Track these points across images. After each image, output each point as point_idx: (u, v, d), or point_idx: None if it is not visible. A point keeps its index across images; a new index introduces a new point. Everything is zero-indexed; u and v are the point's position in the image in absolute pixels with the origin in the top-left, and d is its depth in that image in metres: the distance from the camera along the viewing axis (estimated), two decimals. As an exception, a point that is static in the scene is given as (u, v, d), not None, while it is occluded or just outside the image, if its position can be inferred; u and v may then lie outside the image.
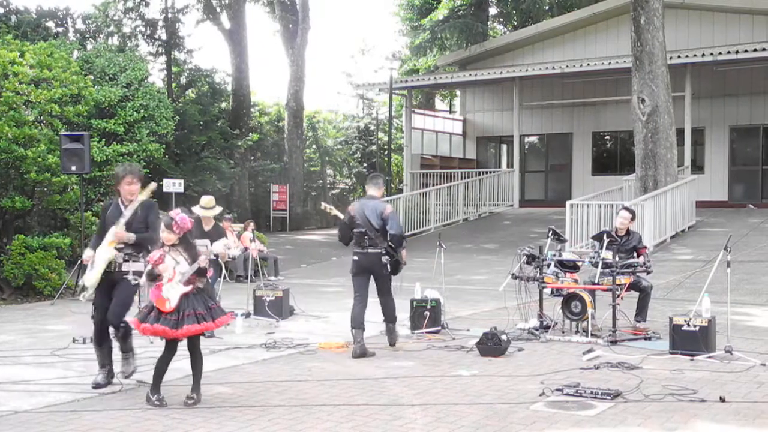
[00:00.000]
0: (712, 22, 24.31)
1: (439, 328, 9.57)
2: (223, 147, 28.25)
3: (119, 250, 6.81)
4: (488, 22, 33.72)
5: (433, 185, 25.04)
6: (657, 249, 16.89)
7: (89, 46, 23.45)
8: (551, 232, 10.15)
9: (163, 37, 29.83)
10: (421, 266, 16.41)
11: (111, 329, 6.94)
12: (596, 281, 9.38)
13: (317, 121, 38.78)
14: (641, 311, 9.68)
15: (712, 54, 21.27)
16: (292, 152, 31.95)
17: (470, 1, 31.44)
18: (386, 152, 31.71)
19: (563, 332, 9.28)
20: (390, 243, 8.53)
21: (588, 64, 23.47)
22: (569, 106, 26.60)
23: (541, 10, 30.92)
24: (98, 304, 7.03)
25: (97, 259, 6.81)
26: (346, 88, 55.98)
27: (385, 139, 32.87)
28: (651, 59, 18.01)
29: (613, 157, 26.76)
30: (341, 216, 8.65)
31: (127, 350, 6.99)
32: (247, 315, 10.66)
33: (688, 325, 8.01)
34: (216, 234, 9.99)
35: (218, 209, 10.27)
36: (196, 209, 9.92)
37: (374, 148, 37.75)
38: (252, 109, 33.00)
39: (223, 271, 10.76)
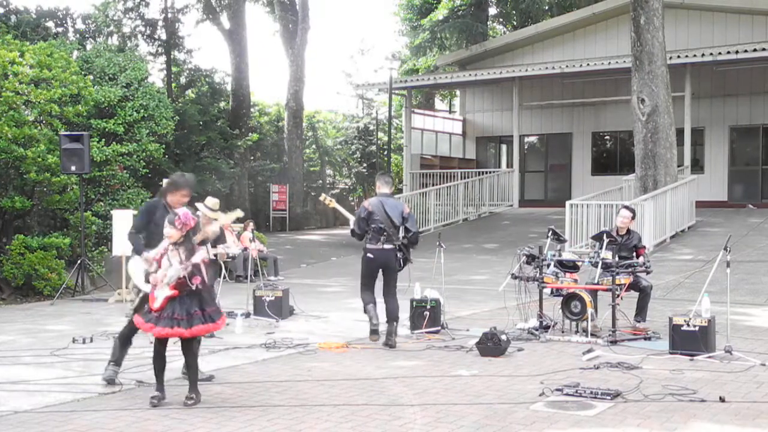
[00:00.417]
0: (712, 22, 24.31)
1: (439, 328, 9.57)
2: (222, 147, 28.23)
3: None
4: (488, 22, 33.73)
5: (433, 185, 25.04)
6: (657, 249, 16.89)
7: (89, 46, 23.42)
8: (551, 232, 10.16)
9: (163, 37, 29.82)
10: (421, 266, 16.39)
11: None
12: (596, 281, 9.38)
13: (317, 121, 38.77)
14: (641, 311, 9.68)
15: (711, 54, 21.28)
16: (291, 152, 31.94)
17: (470, 1, 31.44)
18: (386, 152, 31.70)
19: (563, 332, 9.29)
20: (405, 240, 8.89)
21: (588, 64, 23.47)
22: (569, 106, 26.60)
23: (541, 10, 30.93)
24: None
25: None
26: (345, 88, 55.98)
27: (385, 139, 32.87)
28: (651, 59, 18.01)
29: (613, 157, 26.76)
30: (341, 209, 8.64)
31: None
32: (247, 315, 10.65)
33: (688, 325, 8.01)
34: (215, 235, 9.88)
35: (220, 215, 10.06)
36: (200, 206, 9.78)
37: (374, 148, 37.75)
38: (252, 109, 32.98)
39: (223, 271, 10.74)
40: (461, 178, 25.56)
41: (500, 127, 28.35)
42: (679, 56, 21.19)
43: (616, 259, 9.28)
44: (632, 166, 19.62)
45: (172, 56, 29.53)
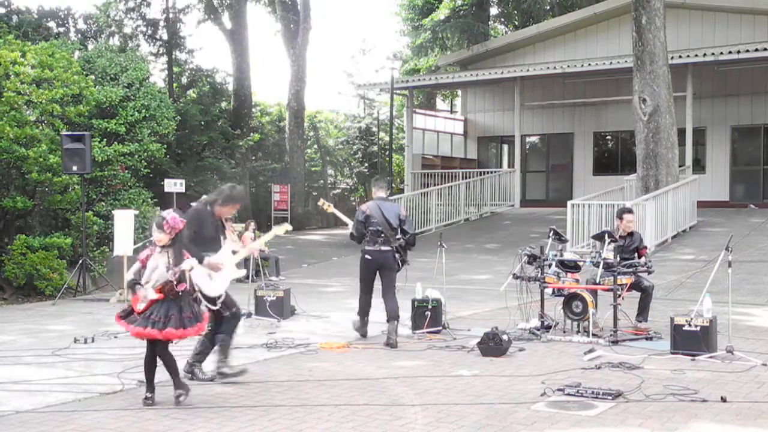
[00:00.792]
0: (714, 22, 24.30)
1: (440, 328, 9.57)
2: (224, 147, 28.25)
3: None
4: (489, 22, 33.72)
5: (435, 185, 25.03)
6: (658, 249, 16.88)
7: (90, 46, 23.44)
8: (552, 232, 10.15)
9: (165, 37, 29.85)
10: (422, 266, 16.41)
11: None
12: (597, 281, 9.37)
13: (318, 121, 38.77)
14: (642, 311, 9.67)
15: (713, 54, 21.26)
16: (293, 152, 31.95)
17: (471, 1, 31.44)
18: (387, 152, 31.70)
19: (564, 332, 9.28)
20: (403, 242, 9.14)
21: (589, 64, 23.46)
22: (570, 106, 26.59)
23: (542, 10, 30.92)
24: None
25: (228, 274, 7.05)
26: (347, 88, 55.99)
27: (387, 139, 32.86)
28: (652, 59, 18.00)
29: (614, 157, 26.75)
30: (339, 214, 8.71)
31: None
32: (249, 315, 10.65)
33: (690, 325, 8.01)
34: None
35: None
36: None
37: (375, 148, 37.75)
38: (253, 109, 33.00)
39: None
40: (463, 178, 25.56)
41: (502, 127, 28.34)
42: (680, 56, 21.18)
43: (618, 258, 9.27)
44: (634, 166, 19.60)
45: (173, 56, 29.55)
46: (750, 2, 23.68)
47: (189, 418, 5.78)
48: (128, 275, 6.28)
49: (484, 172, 26.32)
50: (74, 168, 13.84)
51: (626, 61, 21.01)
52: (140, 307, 6.07)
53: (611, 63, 22.73)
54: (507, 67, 25.96)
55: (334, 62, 75.61)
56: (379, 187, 9.46)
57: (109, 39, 28.12)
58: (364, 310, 9.26)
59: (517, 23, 34.04)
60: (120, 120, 16.35)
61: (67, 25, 25.93)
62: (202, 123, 27.10)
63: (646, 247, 10.34)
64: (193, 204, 9.73)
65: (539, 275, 9.49)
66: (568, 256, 10.13)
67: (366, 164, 37.85)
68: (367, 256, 9.05)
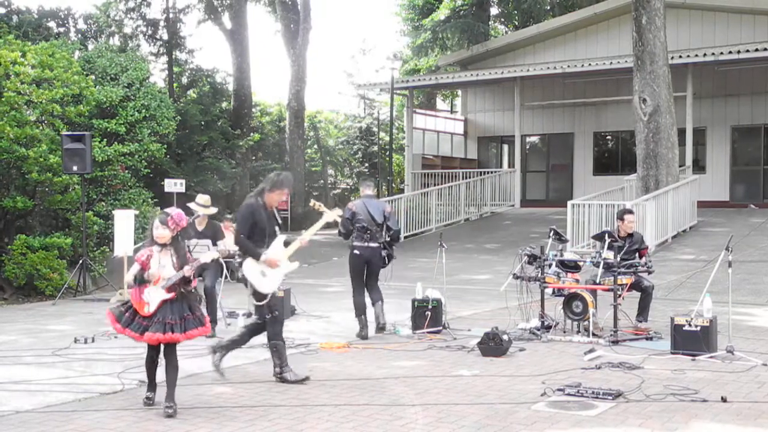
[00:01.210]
0: (714, 22, 24.29)
1: (441, 328, 9.57)
2: (224, 147, 28.25)
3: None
4: (489, 22, 33.72)
5: (435, 185, 25.02)
6: (658, 249, 16.87)
7: (90, 46, 23.44)
8: (552, 232, 10.15)
9: (165, 37, 29.85)
10: (423, 266, 16.42)
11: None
12: (598, 281, 9.37)
13: (318, 121, 38.79)
14: (643, 311, 9.67)
15: (713, 54, 21.26)
16: (293, 152, 31.96)
17: (471, 1, 31.44)
18: (387, 152, 31.70)
19: (564, 332, 9.28)
20: (388, 237, 9.49)
21: (589, 64, 23.45)
22: (570, 106, 26.58)
23: (543, 10, 30.91)
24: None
25: (282, 270, 7.04)
26: (347, 88, 55.96)
27: (387, 139, 32.87)
28: (652, 59, 18.00)
29: (615, 157, 26.74)
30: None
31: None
32: (249, 315, 10.63)
33: (690, 325, 8.00)
34: (212, 232, 9.76)
35: (213, 210, 9.94)
36: (192, 206, 9.74)
37: (375, 148, 37.76)
38: (253, 109, 33.01)
39: (225, 271, 10.72)
40: (463, 178, 25.55)
41: (502, 127, 28.34)
42: (680, 56, 21.17)
43: (618, 259, 9.27)
44: (634, 166, 19.60)
45: (173, 56, 29.55)
46: (750, 2, 23.67)
47: (189, 418, 5.78)
48: (129, 276, 6.04)
49: (484, 172, 26.31)
50: (74, 168, 13.84)
51: (626, 61, 20.99)
52: (149, 309, 5.82)
53: (611, 63, 22.72)
54: (507, 67, 25.95)
55: (334, 62, 75.67)
56: (366, 186, 9.91)
57: (109, 39, 28.12)
58: (360, 309, 9.47)
59: (517, 23, 34.03)
60: (120, 120, 16.36)
61: (67, 25, 25.93)
62: (203, 123, 27.10)
63: (647, 248, 10.33)
64: (193, 204, 9.77)
65: (539, 275, 9.49)
66: (568, 256, 10.13)
67: (366, 164, 37.86)
68: (355, 251, 9.44)
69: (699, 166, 23.77)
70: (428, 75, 32.21)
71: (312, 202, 9.73)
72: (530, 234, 20.14)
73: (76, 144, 13.81)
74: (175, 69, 29.66)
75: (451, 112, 36.54)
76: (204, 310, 6.79)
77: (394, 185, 28.75)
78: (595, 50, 25.71)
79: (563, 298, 9.35)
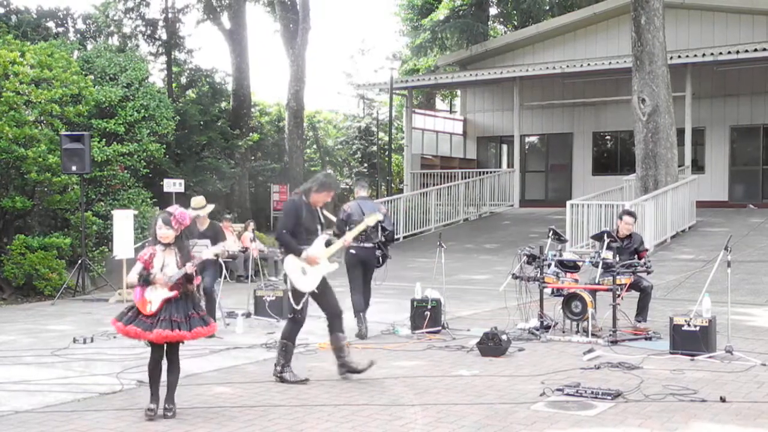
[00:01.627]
0: (713, 22, 24.30)
1: (440, 328, 9.56)
2: (223, 147, 28.22)
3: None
4: (489, 22, 33.72)
5: (434, 185, 25.03)
6: (657, 249, 16.88)
7: (89, 46, 23.43)
8: (551, 232, 10.15)
9: (164, 37, 29.82)
10: (422, 266, 16.42)
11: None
12: (597, 281, 9.37)
13: (318, 121, 38.77)
14: (642, 311, 9.67)
15: (712, 54, 21.27)
16: (292, 152, 31.92)
17: (470, 1, 31.43)
18: (387, 152, 31.70)
19: (564, 332, 9.28)
20: (383, 238, 9.58)
21: (588, 64, 23.46)
22: (570, 106, 26.59)
23: (542, 10, 30.90)
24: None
25: (322, 269, 7.07)
26: (346, 88, 55.98)
27: (386, 139, 32.86)
28: (651, 59, 18.00)
29: (614, 157, 26.75)
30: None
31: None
32: (248, 315, 10.65)
33: (689, 325, 8.01)
34: (213, 233, 9.76)
35: (210, 207, 9.93)
36: (189, 213, 9.69)
37: (375, 148, 37.75)
38: (252, 109, 32.97)
39: (224, 271, 10.73)
40: (462, 178, 25.55)
41: (501, 127, 28.34)
42: (679, 56, 21.18)
43: (617, 259, 9.27)
44: (633, 166, 19.61)
45: (172, 56, 29.52)
46: (749, 2, 23.68)
47: (189, 418, 5.78)
48: (131, 275, 5.92)
49: (483, 172, 26.31)
50: (73, 168, 13.83)
51: (625, 62, 21.00)
52: (151, 308, 5.74)
53: (610, 63, 22.73)
54: (506, 67, 25.95)
55: (334, 62, 75.65)
56: (360, 187, 10.14)
57: (108, 39, 28.09)
58: (358, 308, 9.57)
59: (516, 23, 34.02)
60: (119, 120, 16.35)
61: (66, 25, 25.90)
62: (202, 123, 27.08)
63: (646, 250, 10.32)
64: (189, 211, 9.74)
65: (538, 275, 9.49)
66: (567, 256, 10.14)
67: (365, 164, 37.84)
68: (351, 251, 9.52)
69: (698, 166, 23.78)
70: (427, 75, 32.21)
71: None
72: (529, 234, 20.14)
73: (75, 144, 13.81)
74: (174, 69, 29.63)
75: (451, 112, 36.53)
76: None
77: (393, 185, 28.74)
78: (595, 50, 25.72)
79: (562, 298, 9.36)
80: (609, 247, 9.48)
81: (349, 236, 7.48)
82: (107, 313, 11.62)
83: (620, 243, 9.76)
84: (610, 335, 8.84)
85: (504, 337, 8.24)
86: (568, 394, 6.38)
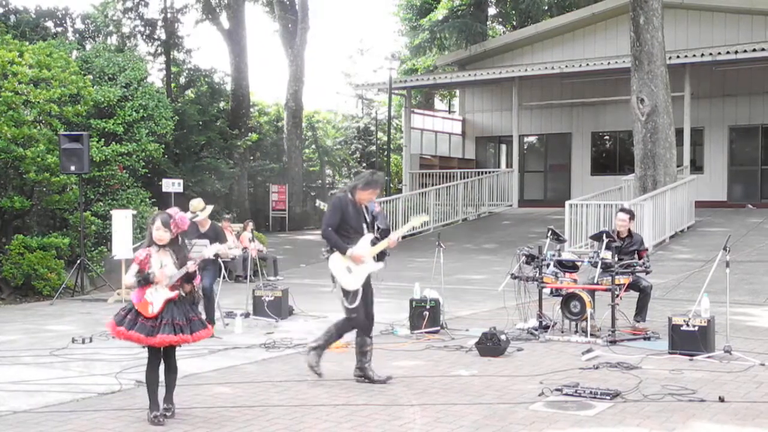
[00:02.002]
0: (712, 22, 24.31)
1: (439, 328, 9.57)
2: (222, 147, 28.23)
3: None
4: (487, 22, 33.73)
5: (433, 185, 25.04)
6: (656, 249, 16.89)
7: (88, 46, 23.41)
8: (550, 232, 10.15)
9: (162, 37, 29.82)
10: (421, 266, 16.42)
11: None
12: (595, 281, 9.38)
13: (316, 121, 38.77)
14: (641, 311, 9.67)
15: (711, 54, 21.28)
16: (291, 152, 31.95)
17: (469, 1, 31.44)
18: (385, 152, 31.70)
19: (562, 332, 9.29)
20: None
21: (587, 64, 23.47)
22: (568, 106, 26.60)
23: (541, 10, 30.92)
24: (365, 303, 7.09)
25: (367, 268, 7.01)
26: (345, 88, 55.91)
27: (385, 139, 32.87)
28: (650, 59, 18.01)
29: (613, 157, 26.77)
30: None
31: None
32: (247, 315, 10.65)
33: (687, 325, 8.01)
34: (213, 234, 9.69)
35: (209, 209, 9.81)
36: (189, 216, 9.62)
37: (373, 148, 37.76)
38: (251, 109, 32.98)
39: (223, 271, 10.72)
40: (461, 178, 25.56)
41: (500, 127, 28.35)
42: (678, 56, 21.19)
43: (616, 258, 9.27)
44: (632, 166, 19.62)
45: (171, 56, 29.53)
46: (748, 2, 23.69)
47: (188, 419, 5.77)
48: (128, 277, 5.82)
49: (482, 172, 26.32)
50: (72, 168, 13.82)
51: (624, 62, 21.00)
52: (153, 310, 5.63)
53: (609, 63, 22.74)
54: (505, 67, 25.96)
55: (332, 62, 75.70)
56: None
57: (107, 39, 28.08)
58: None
59: (515, 23, 34.04)
60: (118, 120, 16.34)
61: (64, 24, 25.89)
62: (200, 123, 27.08)
63: (646, 250, 10.30)
64: (189, 214, 9.74)
65: (537, 275, 9.49)
66: (566, 256, 10.14)
67: (364, 164, 37.84)
68: None
69: (697, 167, 23.80)
70: (426, 75, 32.21)
71: (318, 203, 9.69)
72: (528, 234, 20.15)
73: (74, 144, 13.79)
74: (173, 69, 29.64)
75: (449, 112, 36.54)
76: (202, 311, 6.75)
77: (392, 185, 28.74)
78: (593, 50, 25.73)
79: (561, 298, 9.35)
80: (608, 247, 9.48)
81: (394, 236, 7.35)
82: (106, 313, 11.61)
83: (621, 243, 9.76)
84: (608, 335, 8.85)
85: (503, 337, 8.24)
86: (566, 394, 6.38)
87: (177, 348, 5.89)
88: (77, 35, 25.65)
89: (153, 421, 5.63)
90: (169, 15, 29.65)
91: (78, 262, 13.97)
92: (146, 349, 5.76)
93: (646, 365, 7.59)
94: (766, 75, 23.04)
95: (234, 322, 10.02)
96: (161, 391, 5.80)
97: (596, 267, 9.38)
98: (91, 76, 16.55)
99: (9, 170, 14.63)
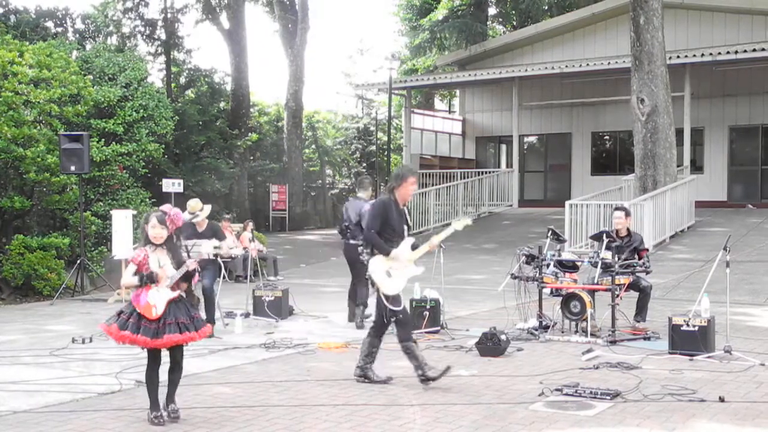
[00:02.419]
0: (712, 22, 24.31)
1: (439, 328, 9.57)
2: (222, 147, 28.23)
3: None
4: (487, 22, 33.73)
5: (433, 185, 25.04)
6: (656, 249, 16.89)
7: (88, 46, 23.41)
8: (550, 232, 10.15)
9: (163, 37, 29.82)
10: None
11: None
12: (596, 281, 9.37)
13: (316, 121, 38.76)
14: (641, 311, 9.67)
15: (711, 54, 21.27)
16: (291, 152, 31.95)
17: (469, 1, 31.44)
18: (386, 152, 31.70)
19: (562, 332, 9.29)
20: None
21: (587, 64, 23.47)
22: (568, 106, 26.60)
23: (541, 10, 30.93)
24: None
25: (408, 272, 6.95)
26: (345, 88, 55.87)
27: (385, 139, 32.86)
28: (650, 59, 18.01)
29: (613, 157, 26.76)
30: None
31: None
32: (247, 315, 10.65)
33: (688, 325, 8.01)
34: (212, 232, 9.62)
35: (207, 209, 9.71)
36: (186, 216, 9.58)
37: (373, 148, 37.74)
38: (251, 109, 32.99)
39: (223, 271, 10.71)
40: (461, 178, 25.56)
41: (500, 127, 28.35)
42: (678, 56, 21.19)
43: (616, 258, 9.27)
44: (632, 166, 19.62)
45: (171, 56, 29.53)
46: (748, 2, 23.68)
47: (188, 419, 5.77)
48: (127, 278, 5.75)
49: (482, 172, 26.32)
50: (72, 168, 13.82)
51: (624, 62, 21.00)
52: (157, 312, 5.57)
53: (609, 63, 22.74)
54: (505, 67, 25.96)
55: (332, 62, 75.69)
56: (359, 188, 10.65)
57: (107, 39, 28.09)
58: (350, 295, 10.40)
59: (515, 23, 34.04)
60: (118, 120, 16.34)
61: (65, 24, 25.89)
62: (200, 123, 27.08)
63: (646, 249, 10.29)
64: (186, 215, 9.72)
65: (537, 275, 9.49)
66: (566, 256, 10.13)
67: (364, 164, 37.84)
68: (342, 249, 10.48)
69: (697, 167, 23.79)
70: (426, 75, 32.21)
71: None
72: (528, 234, 20.15)
73: (74, 144, 13.79)
74: (173, 69, 29.63)
75: (449, 112, 36.53)
76: (202, 311, 6.74)
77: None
78: (593, 50, 25.73)
79: (561, 298, 9.35)
80: (608, 247, 9.48)
81: (436, 240, 7.30)
82: (106, 313, 11.57)
83: (620, 241, 9.76)
84: (609, 335, 8.84)
85: (503, 337, 8.24)
86: (566, 394, 6.38)
87: (184, 346, 5.84)
88: (77, 35, 25.66)
89: (153, 421, 5.62)
90: (169, 15, 29.65)
91: (78, 262, 13.97)
92: (146, 350, 5.72)
93: (646, 365, 7.59)
94: (766, 75, 23.04)
95: (234, 322, 10.02)
96: (162, 391, 5.76)
97: (596, 267, 9.38)
98: (91, 76, 16.55)
99: (9, 170, 14.63)
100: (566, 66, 23.78)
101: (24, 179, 14.55)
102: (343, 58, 71.38)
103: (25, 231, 14.99)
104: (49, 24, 25.16)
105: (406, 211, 7.22)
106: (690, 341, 7.97)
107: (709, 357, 7.83)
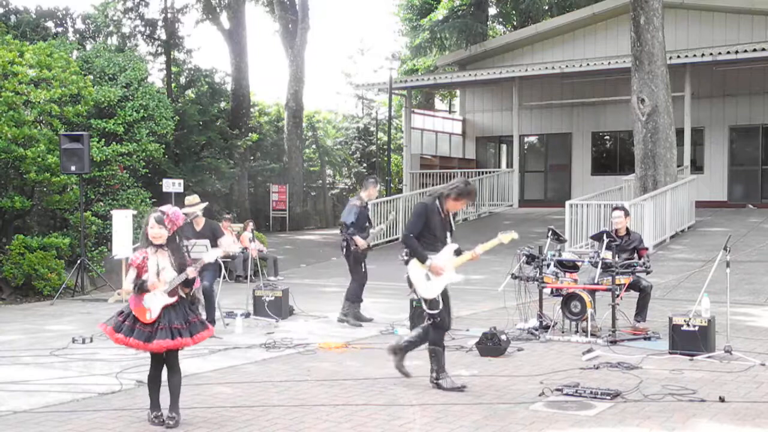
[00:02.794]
0: (712, 22, 24.31)
1: (439, 328, 9.54)
2: (222, 147, 28.24)
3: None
4: (488, 22, 33.72)
5: (433, 185, 24.99)
6: (656, 249, 16.89)
7: (89, 46, 23.42)
8: (551, 232, 10.15)
9: (163, 37, 29.82)
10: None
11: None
12: (596, 281, 9.37)
13: (317, 121, 38.78)
14: (641, 311, 9.67)
15: (711, 54, 21.27)
16: (291, 152, 31.96)
17: (470, 1, 31.44)
18: (386, 152, 31.70)
19: (563, 332, 9.29)
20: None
21: (588, 64, 23.47)
22: (569, 106, 26.59)
23: (541, 10, 30.92)
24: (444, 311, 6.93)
25: (447, 278, 6.92)
26: (345, 88, 55.90)
27: (385, 139, 32.87)
28: (650, 59, 18.01)
29: (613, 157, 26.76)
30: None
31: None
32: (247, 315, 10.65)
33: (688, 325, 8.01)
34: (210, 231, 9.64)
35: (202, 204, 9.73)
36: (185, 211, 9.58)
37: (374, 148, 37.75)
38: (251, 109, 33.00)
39: (223, 271, 10.72)
40: (461, 178, 25.51)
41: (500, 127, 28.34)
42: (678, 56, 21.18)
43: (616, 258, 9.27)
44: (632, 166, 19.61)
45: (171, 56, 29.52)
46: (748, 2, 23.68)
47: (188, 419, 5.77)
48: (127, 285, 5.68)
49: (482, 172, 26.32)
50: (72, 168, 13.82)
51: (624, 62, 21.00)
52: (151, 316, 5.53)
53: (610, 63, 22.73)
54: (505, 67, 25.95)
55: (333, 62, 75.66)
56: (362, 187, 10.83)
57: (107, 39, 28.09)
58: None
59: (515, 23, 34.04)
60: (118, 120, 16.34)
61: (65, 24, 25.90)
62: (201, 123, 27.09)
63: (646, 248, 10.29)
64: (185, 209, 9.73)
65: (538, 275, 9.49)
66: (566, 256, 10.14)
67: (364, 164, 37.84)
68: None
69: (697, 167, 23.79)
70: (426, 75, 32.21)
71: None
72: (528, 234, 20.10)
73: (74, 144, 13.80)
74: (174, 69, 29.63)
75: (450, 112, 36.54)
76: (202, 311, 6.73)
77: (392, 185, 28.74)
78: (594, 50, 25.73)
79: (561, 298, 9.35)
80: (608, 247, 9.48)
81: (480, 249, 7.22)
82: (106, 313, 11.58)
83: (620, 241, 9.76)
84: (609, 335, 8.85)
85: (503, 337, 8.25)
86: (567, 394, 6.38)
87: (179, 352, 5.79)
88: (78, 35, 25.67)
89: (153, 421, 5.62)
90: (169, 15, 29.64)
91: (78, 262, 13.97)
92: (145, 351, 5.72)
93: (646, 365, 7.60)
94: (766, 75, 23.04)
95: (234, 322, 10.02)
96: (165, 398, 5.69)
97: (597, 267, 9.38)
98: (91, 76, 16.55)
99: (9, 170, 14.63)
100: (566, 66, 23.78)
101: (24, 179, 14.55)
102: (343, 58, 71.45)
103: (26, 231, 15.00)
104: (50, 24, 25.16)
105: (451, 216, 7.07)
106: (690, 341, 7.97)
107: (709, 357, 7.83)
